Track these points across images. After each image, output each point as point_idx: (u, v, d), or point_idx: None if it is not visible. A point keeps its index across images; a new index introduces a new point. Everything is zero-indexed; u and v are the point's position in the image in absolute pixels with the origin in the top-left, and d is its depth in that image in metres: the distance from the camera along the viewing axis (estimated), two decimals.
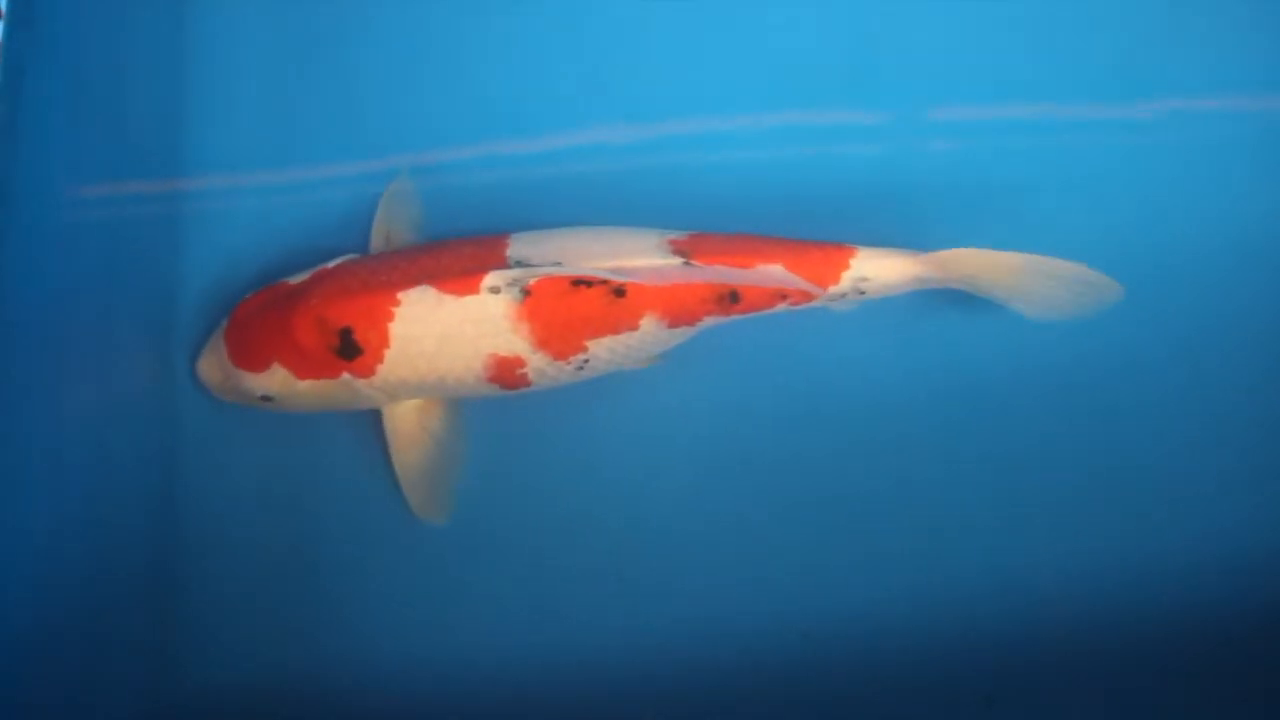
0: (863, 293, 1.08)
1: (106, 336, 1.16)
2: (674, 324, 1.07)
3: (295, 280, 1.10)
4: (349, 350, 1.04)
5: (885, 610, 1.16)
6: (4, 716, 1.00)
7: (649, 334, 1.07)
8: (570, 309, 1.03)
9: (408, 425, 1.12)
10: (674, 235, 1.08)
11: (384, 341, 1.04)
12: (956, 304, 1.14)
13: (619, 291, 1.03)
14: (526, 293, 1.02)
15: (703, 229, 1.10)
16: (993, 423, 1.17)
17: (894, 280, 1.07)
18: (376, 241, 1.16)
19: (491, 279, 1.02)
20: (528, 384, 1.07)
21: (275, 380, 1.08)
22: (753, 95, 1.23)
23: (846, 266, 1.07)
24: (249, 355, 1.08)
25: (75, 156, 1.14)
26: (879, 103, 1.23)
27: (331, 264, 1.10)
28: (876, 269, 1.07)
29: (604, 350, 1.06)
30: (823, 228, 1.12)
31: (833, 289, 1.07)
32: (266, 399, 1.10)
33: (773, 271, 1.06)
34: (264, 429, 1.17)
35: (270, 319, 1.07)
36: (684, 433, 1.19)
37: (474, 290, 1.02)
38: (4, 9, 1.04)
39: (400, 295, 1.03)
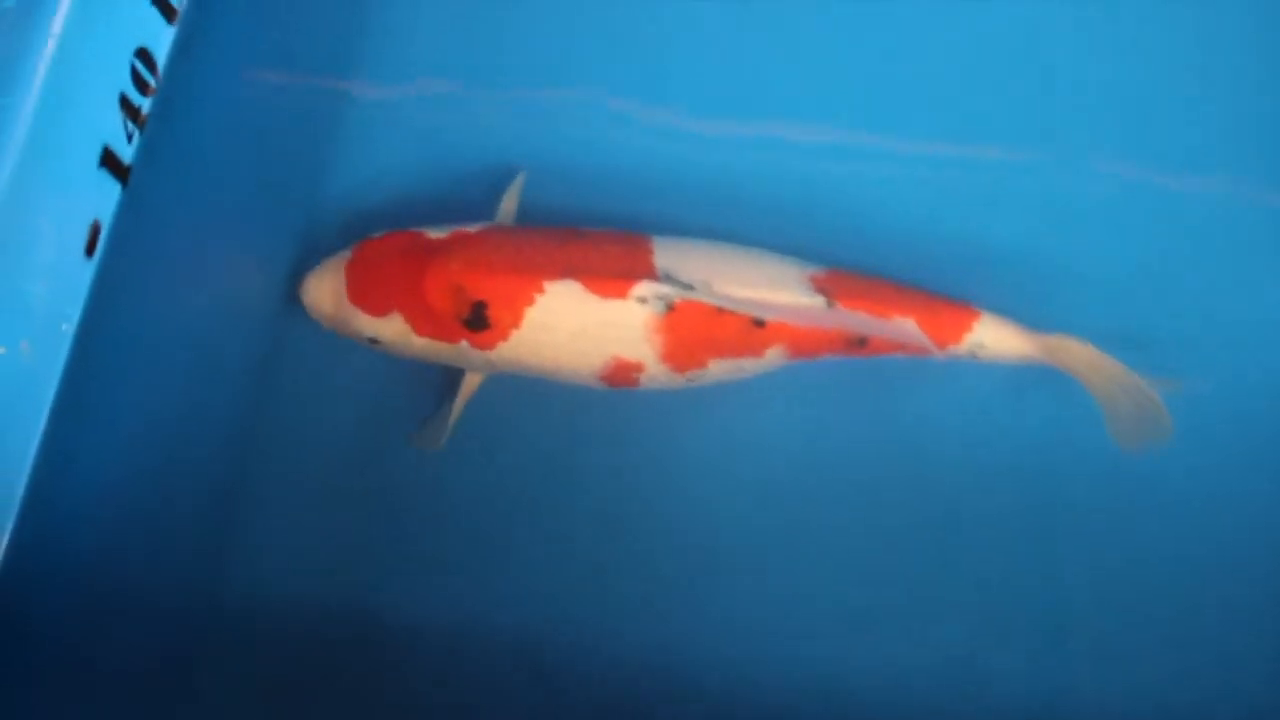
0: (975, 356, 1.09)
1: (244, 221, 1.14)
2: (795, 356, 1.07)
3: (434, 234, 1.06)
4: (478, 323, 1.02)
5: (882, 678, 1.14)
6: (67, 588, 0.97)
7: (769, 361, 1.07)
8: (707, 330, 1.03)
9: (474, 388, 1.11)
10: (814, 271, 1.07)
11: (515, 323, 1.02)
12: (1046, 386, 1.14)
13: (759, 323, 1.03)
14: (671, 308, 1.01)
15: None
16: (1052, 516, 1.15)
17: (1006, 352, 1.08)
18: (505, 214, 1.15)
19: (641, 289, 1.01)
20: (635, 386, 1.07)
21: (391, 328, 1.05)
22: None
23: (969, 329, 1.07)
24: (370, 297, 1.05)
25: (255, 41, 1.12)
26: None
27: (474, 228, 1.06)
28: (995, 338, 1.07)
29: (720, 369, 1.06)
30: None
31: (951, 348, 1.08)
32: (374, 341, 1.07)
33: (906, 326, 1.06)
34: (367, 361, 1.15)
35: (403, 269, 1.04)
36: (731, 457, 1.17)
37: (622, 295, 1.01)
38: None
39: (546, 284, 1.01)
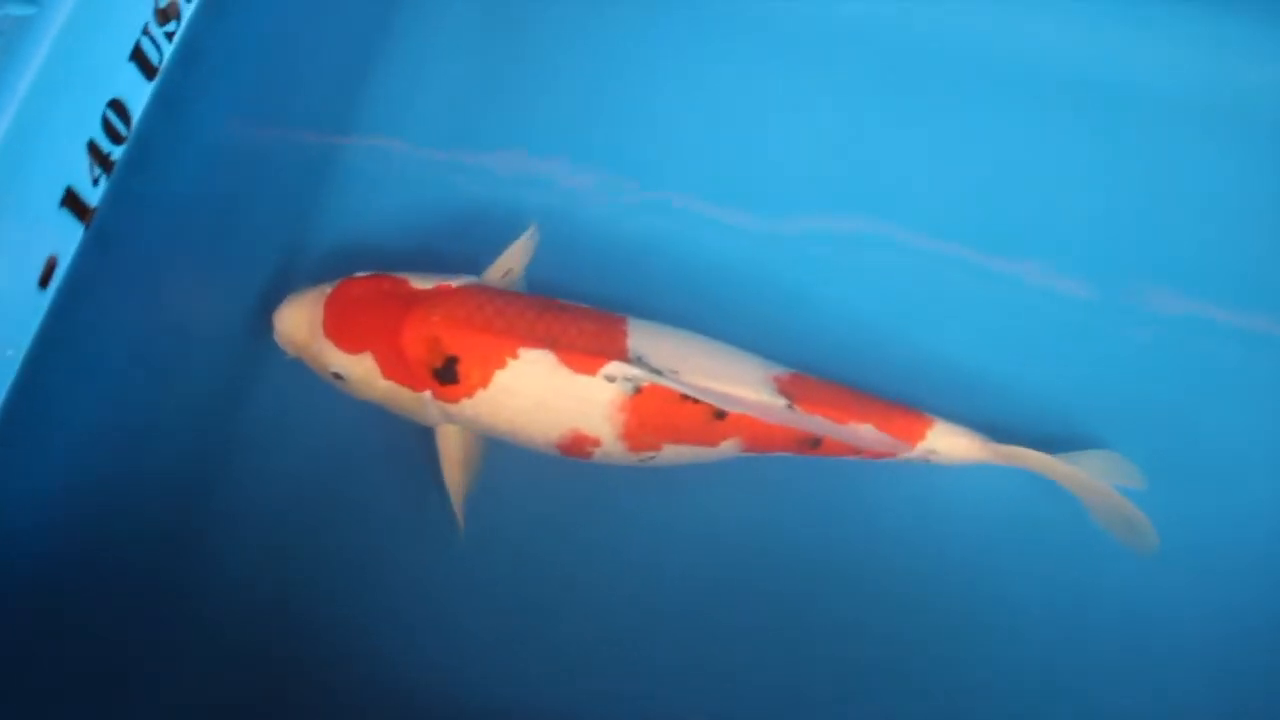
0: (928, 461, 1.12)
1: (216, 266, 1.16)
2: (750, 450, 1.09)
3: (417, 284, 1.07)
4: (447, 376, 1.03)
5: None
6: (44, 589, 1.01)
7: (722, 452, 1.09)
8: (669, 416, 1.05)
9: (457, 445, 1.11)
10: (778, 372, 1.09)
11: (483, 383, 1.03)
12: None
13: (720, 414, 1.05)
14: (638, 390, 1.03)
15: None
16: (1007, 593, 1.16)
17: (960, 457, 1.11)
18: (493, 273, 1.15)
19: (612, 368, 1.02)
20: (587, 459, 1.08)
21: (359, 367, 1.06)
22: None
23: (923, 437, 1.10)
24: (346, 333, 1.06)
25: (241, 97, 1.14)
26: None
27: (455, 282, 1.07)
28: (948, 445, 1.10)
29: (673, 453, 1.08)
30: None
31: (903, 455, 1.11)
32: (338, 377, 1.07)
33: (863, 431, 1.09)
34: (333, 400, 1.15)
35: (383, 312, 1.05)
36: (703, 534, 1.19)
37: (592, 372, 1.02)
38: None
39: (521, 350, 1.02)
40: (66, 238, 0.96)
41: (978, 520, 1.17)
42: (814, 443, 1.09)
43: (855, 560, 1.17)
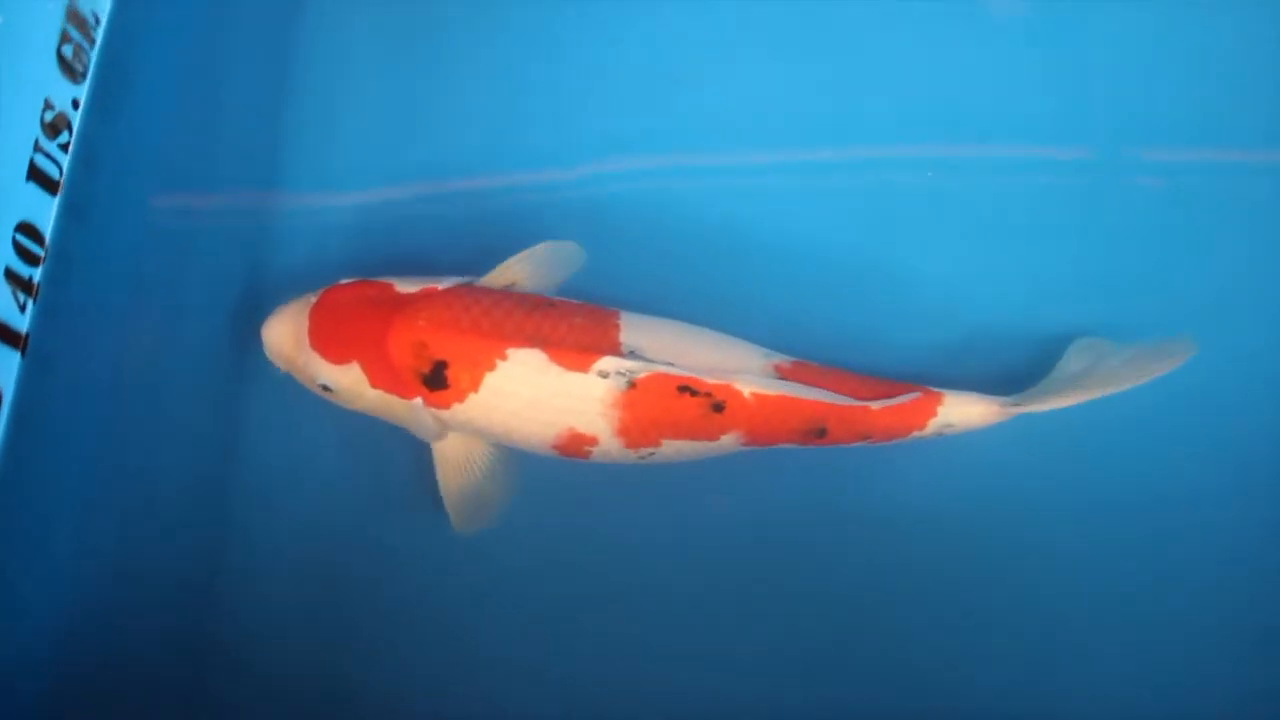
0: (943, 435, 1.09)
1: (176, 326, 1.19)
2: (751, 443, 1.06)
3: (403, 288, 1.04)
4: (436, 381, 1.01)
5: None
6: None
7: (723, 446, 1.06)
8: (666, 410, 1.02)
9: (456, 455, 1.08)
10: (779, 360, 1.07)
11: (474, 386, 1.00)
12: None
13: (718, 407, 1.02)
14: (632, 385, 1.00)
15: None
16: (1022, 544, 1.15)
17: (975, 426, 1.08)
18: (494, 279, 1.10)
19: (604, 363, 0.99)
20: (586, 459, 1.05)
21: (347, 378, 1.03)
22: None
23: (934, 414, 1.07)
24: (331, 344, 1.03)
25: (168, 156, 1.18)
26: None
27: (443, 285, 1.05)
28: (962, 416, 1.07)
29: (673, 450, 1.05)
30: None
31: (917, 434, 1.08)
32: (326, 389, 1.05)
33: (873, 406, 1.05)
34: (329, 433, 1.16)
35: (368, 320, 1.02)
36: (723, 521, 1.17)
37: (584, 368, 1.00)
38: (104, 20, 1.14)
39: (510, 350, 0.99)
40: (5, 370, 1.01)
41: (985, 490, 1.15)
42: (819, 432, 1.05)
43: (866, 542, 1.15)
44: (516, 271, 1.10)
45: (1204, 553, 1.13)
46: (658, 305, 1.09)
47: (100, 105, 1.15)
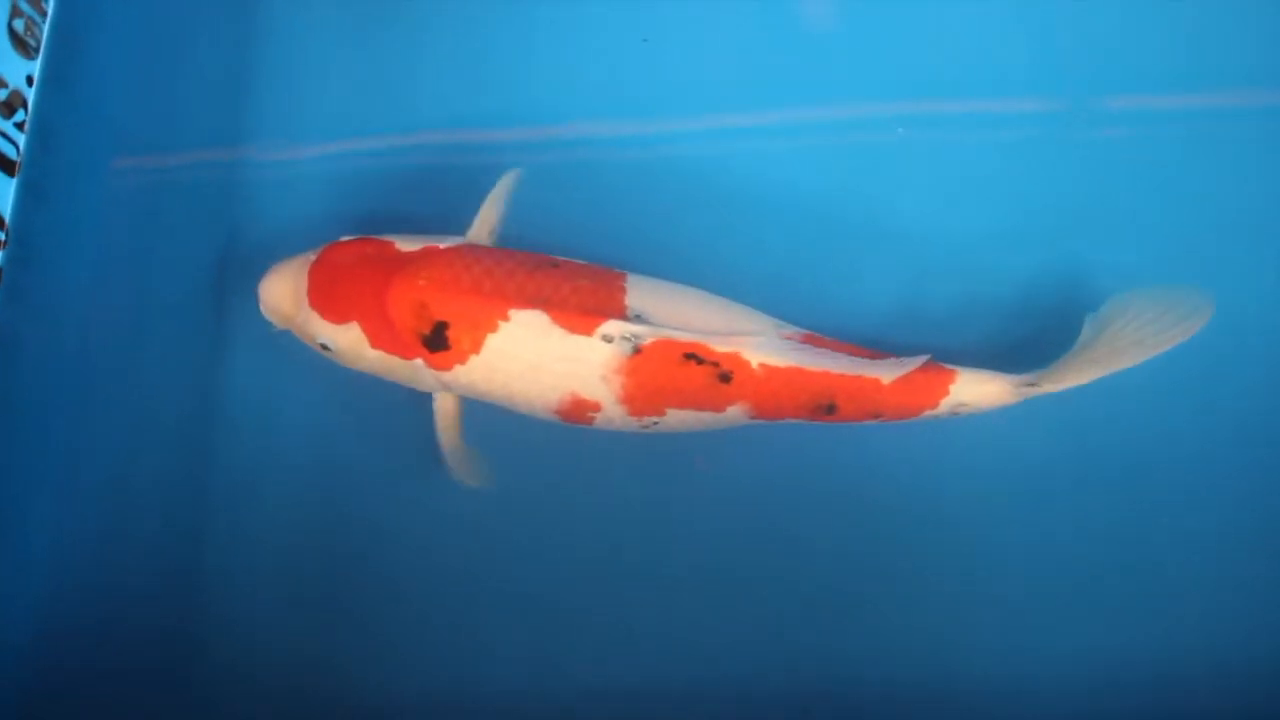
0: (956, 415, 1.06)
1: (147, 299, 1.17)
2: (757, 416, 1.04)
3: (404, 246, 1.02)
4: (436, 343, 0.99)
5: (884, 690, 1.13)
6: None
7: (729, 418, 1.04)
8: (671, 378, 0.99)
9: (453, 410, 1.07)
10: (789, 331, 1.04)
11: (475, 348, 0.98)
12: None
13: (725, 377, 0.99)
14: (637, 350, 0.98)
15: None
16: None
17: (989, 405, 1.05)
18: (479, 230, 1.10)
19: (609, 327, 0.97)
20: (588, 425, 1.03)
21: (347, 337, 1.01)
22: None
23: (946, 393, 1.04)
24: (331, 303, 1.01)
25: (127, 124, 1.17)
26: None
27: (444, 244, 1.03)
28: (975, 395, 1.04)
29: (677, 420, 1.03)
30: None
31: (930, 414, 1.05)
32: (325, 348, 1.03)
33: (883, 374, 1.02)
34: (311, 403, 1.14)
35: (367, 279, 1.00)
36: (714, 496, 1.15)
37: (588, 331, 0.97)
38: None
39: (512, 311, 0.97)
40: None
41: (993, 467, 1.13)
42: (829, 408, 1.03)
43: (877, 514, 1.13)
44: (493, 215, 1.10)
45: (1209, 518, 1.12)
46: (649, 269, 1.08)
47: (55, 78, 1.13)
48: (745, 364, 0.99)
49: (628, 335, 0.97)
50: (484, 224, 1.10)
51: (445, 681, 1.11)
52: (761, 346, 1.00)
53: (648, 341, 0.98)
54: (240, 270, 1.12)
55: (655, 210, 1.17)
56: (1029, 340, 1.13)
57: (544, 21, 1.24)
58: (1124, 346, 1.01)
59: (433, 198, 1.17)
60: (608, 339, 0.97)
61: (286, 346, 1.09)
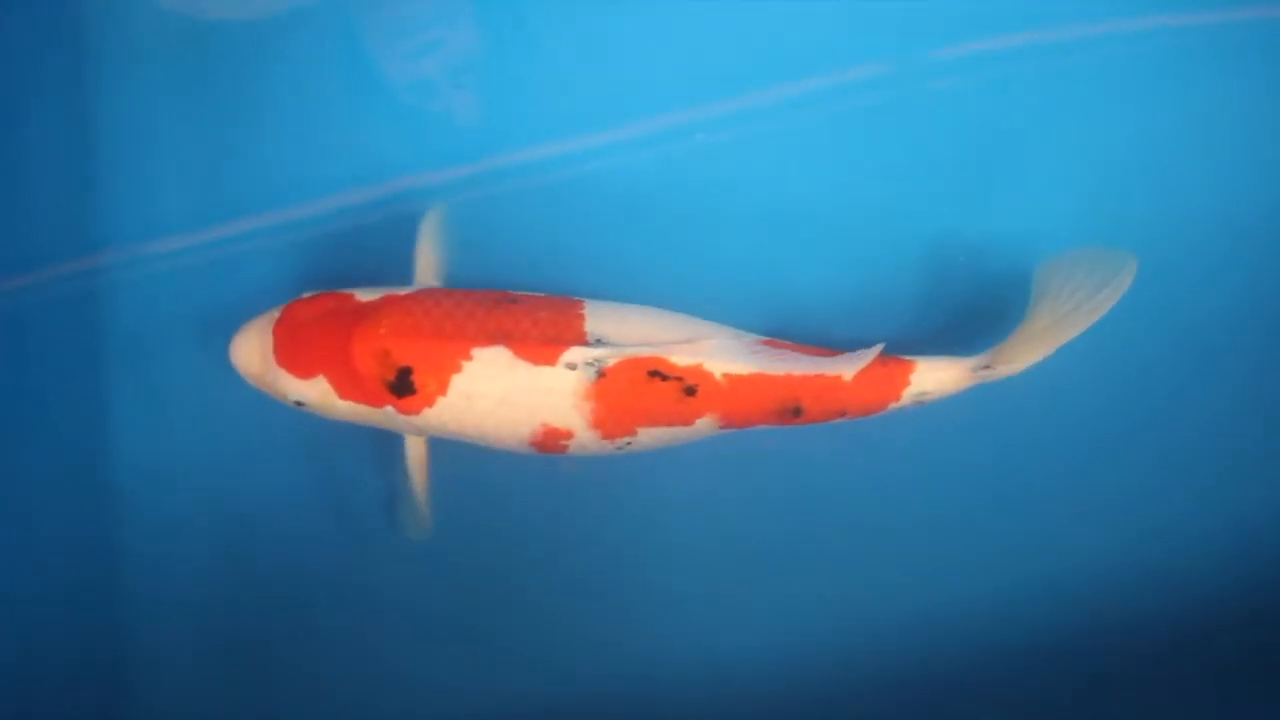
0: (920, 404, 1.07)
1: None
2: (727, 425, 1.05)
3: (363, 297, 1.04)
4: (403, 388, 1.00)
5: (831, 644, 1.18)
6: None
7: (699, 430, 1.05)
8: (638, 398, 1.01)
9: (423, 454, 1.10)
10: (747, 339, 1.06)
11: (441, 390, 1.00)
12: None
13: (690, 390, 1.01)
14: (601, 374, 0.99)
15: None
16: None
17: (951, 390, 1.06)
18: (424, 274, 1.11)
19: (571, 354, 0.99)
20: (564, 453, 1.05)
21: (315, 391, 1.03)
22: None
23: (907, 383, 1.05)
24: (296, 359, 1.03)
25: None
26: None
27: (403, 291, 1.05)
28: (936, 382, 1.05)
29: (649, 437, 1.05)
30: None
31: (894, 406, 1.06)
32: (300, 404, 1.05)
33: (844, 370, 1.04)
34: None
35: (330, 332, 1.02)
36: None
37: (551, 361, 0.99)
38: None
39: (474, 350, 0.99)
40: None
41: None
42: (795, 410, 1.04)
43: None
44: (431, 257, 1.11)
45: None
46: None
47: None
48: (709, 375, 1.01)
49: (590, 360, 0.99)
50: (426, 267, 1.11)
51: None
52: (723, 356, 1.01)
53: (611, 364, 0.99)
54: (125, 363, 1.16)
55: (593, 231, 1.18)
56: (963, 320, 1.16)
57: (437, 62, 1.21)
58: (1065, 315, 1.02)
59: (348, 260, 1.18)
60: (571, 366, 0.99)
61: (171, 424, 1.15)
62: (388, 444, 1.11)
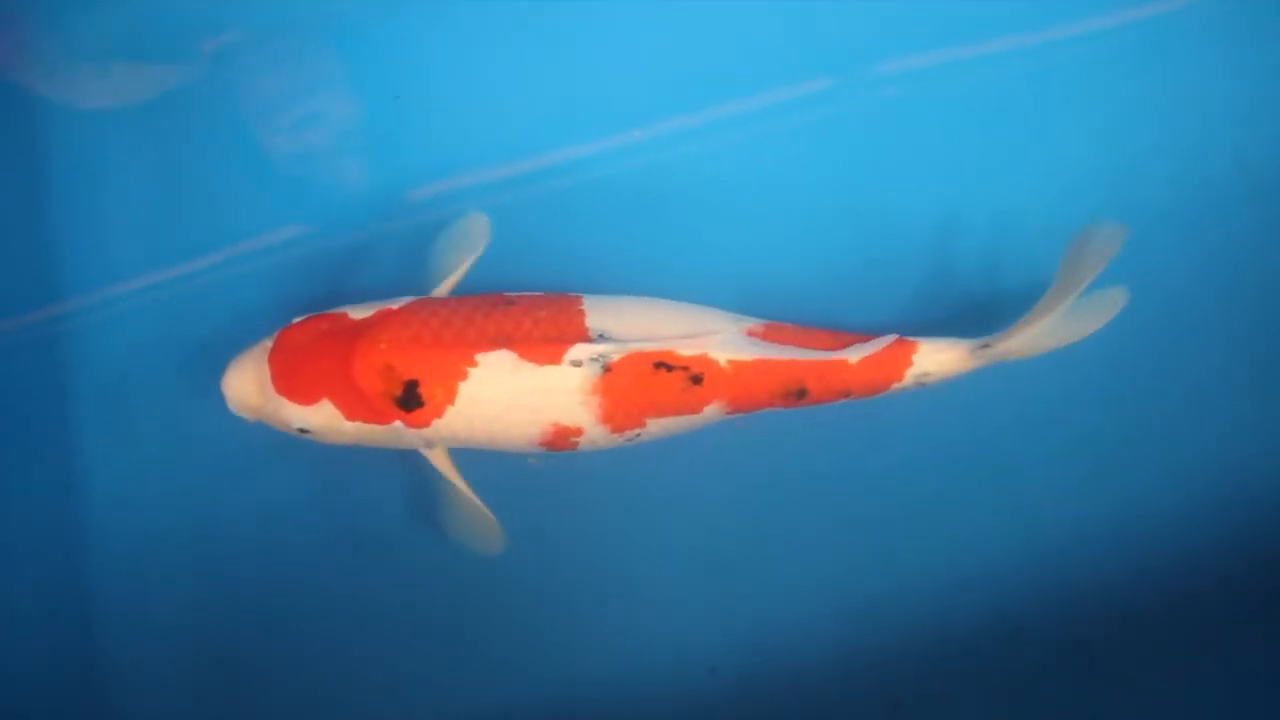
0: (922, 385, 1.08)
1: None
2: (734, 411, 1.06)
3: (357, 314, 1.03)
4: (410, 402, 0.99)
5: (801, 622, 1.18)
6: None
7: (706, 417, 1.05)
8: (645, 390, 1.01)
9: (448, 462, 1.08)
10: (751, 324, 1.06)
11: (449, 399, 0.99)
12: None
13: (696, 379, 1.01)
14: (607, 369, 0.99)
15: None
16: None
17: (952, 372, 1.07)
18: (439, 281, 1.11)
19: (576, 352, 0.99)
20: (573, 449, 1.05)
21: (321, 416, 1.02)
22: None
23: (910, 363, 1.06)
24: (297, 386, 1.01)
25: None
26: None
27: (396, 304, 1.04)
28: (938, 364, 1.06)
29: (659, 427, 1.05)
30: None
31: (896, 386, 1.07)
32: (304, 431, 1.03)
33: (849, 354, 1.04)
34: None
35: (328, 353, 1.01)
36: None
37: (555, 360, 0.99)
38: None
39: (478, 356, 0.98)
40: None
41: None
42: (800, 393, 1.05)
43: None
44: (454, 261, 1.11)
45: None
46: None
47: None
48: (714, 363, 1.01)
49: (595, 356, 0.99)
50: (444, 281, 1.10)
51: None
52: (727, 344, 1.02)
53: (616, 358, 0.99)
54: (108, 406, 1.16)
55: (598, 232, 1.19)
56: (967, 308, 1.18)
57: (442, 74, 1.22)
58: (1070, 320, 1.03)
59: (319, 284, 1.18)
60: (576, 363, 0.99)
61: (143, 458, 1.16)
62: (368, 465, 1.13)
